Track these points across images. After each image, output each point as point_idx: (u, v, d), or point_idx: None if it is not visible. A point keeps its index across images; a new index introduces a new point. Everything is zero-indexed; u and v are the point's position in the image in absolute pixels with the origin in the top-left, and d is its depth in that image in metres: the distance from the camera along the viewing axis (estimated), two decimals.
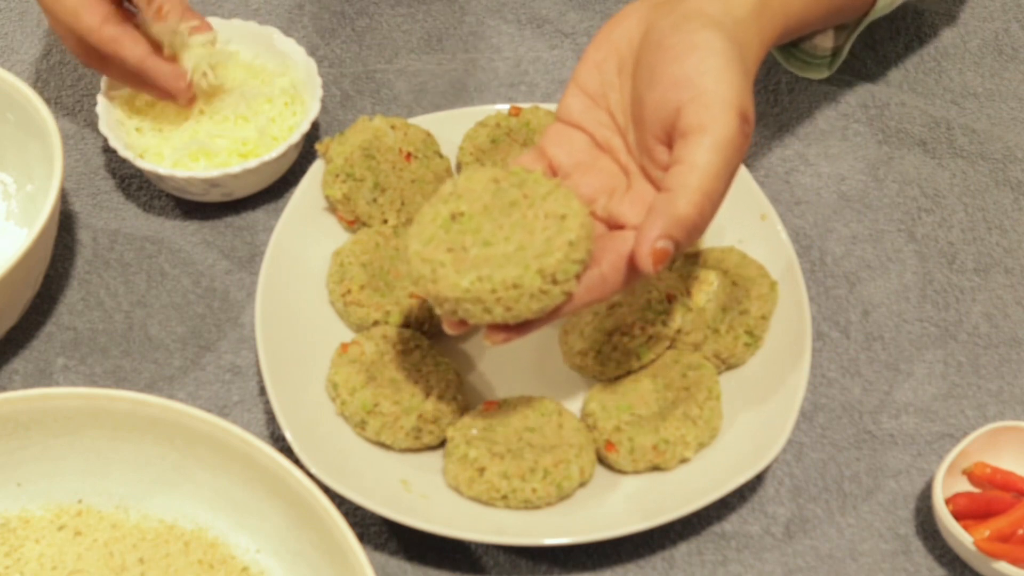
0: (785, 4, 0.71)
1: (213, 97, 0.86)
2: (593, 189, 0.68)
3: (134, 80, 0.84)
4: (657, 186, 0.66)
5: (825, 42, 0.87)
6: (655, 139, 0.66)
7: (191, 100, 0.85)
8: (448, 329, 0.67)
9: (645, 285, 0.76)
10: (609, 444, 0.72)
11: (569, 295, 0.64)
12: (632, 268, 0.64)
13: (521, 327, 0.65)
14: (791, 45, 0.88)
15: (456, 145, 0.85)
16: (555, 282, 0.63)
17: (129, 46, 0.80)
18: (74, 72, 0.95)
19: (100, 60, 0.83)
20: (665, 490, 0.71)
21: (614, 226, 0.67)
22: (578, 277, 0.64)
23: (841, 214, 0.88)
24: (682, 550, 0.73)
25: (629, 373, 0.76)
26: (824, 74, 0.88)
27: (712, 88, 0.63)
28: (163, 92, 0.83)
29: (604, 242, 0.66)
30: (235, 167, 0.82)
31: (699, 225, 0.63)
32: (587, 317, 0.76)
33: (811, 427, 0.78)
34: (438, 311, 0.66)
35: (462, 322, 0.66)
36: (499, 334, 0.65)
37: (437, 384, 0.74)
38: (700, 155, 0.62)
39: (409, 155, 0.82)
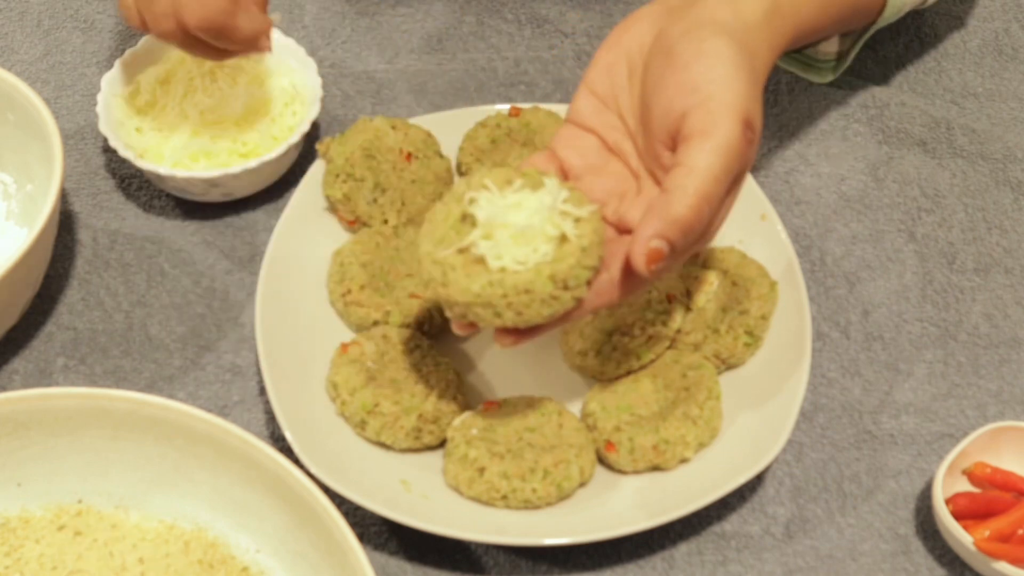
0: (796, 10, 0.71)
1: (213, 97, 0.86)
2: (604, 192, 0.69)
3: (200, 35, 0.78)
4: None
5: (829, 47, 0.87)
6: (661, 144, 0.66)
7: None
8: (457, 331, 0.67)
9: None
10: (609, 444, 0.72)
11: (579, 300, 0.64)
12: (634, 271, 0.64)
13: (531, 331, 0.66)
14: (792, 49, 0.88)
15: (456, 145, 0.85)
16: (566, 288, 0.63)
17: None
18: (74, 72, 0.95)
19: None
20: (665, 490, 0.71)
21: (623, 230, 0.67)
22: (589, 283, 0.64)
23: (841, 214, 0.88)
24: (682, 550, 0.73)
25: (629, 373, 0.76)
26: (828, 78, 0.88)
27: (717, 95, 0.63)
28: (242, 42, 0.79)
29: (614, 246, 0.66)
30: (235, 167, 0.82)
31: (695, 227, 0.63)
32: (587, 317, 0.76)
33: (811, 427, 0.78)
34: (448, 314, 0.66)
35: (472, 324, 0.66)
36: (508, 337, 0.66)
37: (437, 384, 0.74)
38: (699, 158, 0.63)
39: (409, 155, 0.82)
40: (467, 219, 0.65)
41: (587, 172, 0.69)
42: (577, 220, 0.64)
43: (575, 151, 0.70)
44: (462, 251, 0.64)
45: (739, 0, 0.68)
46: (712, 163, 0.62)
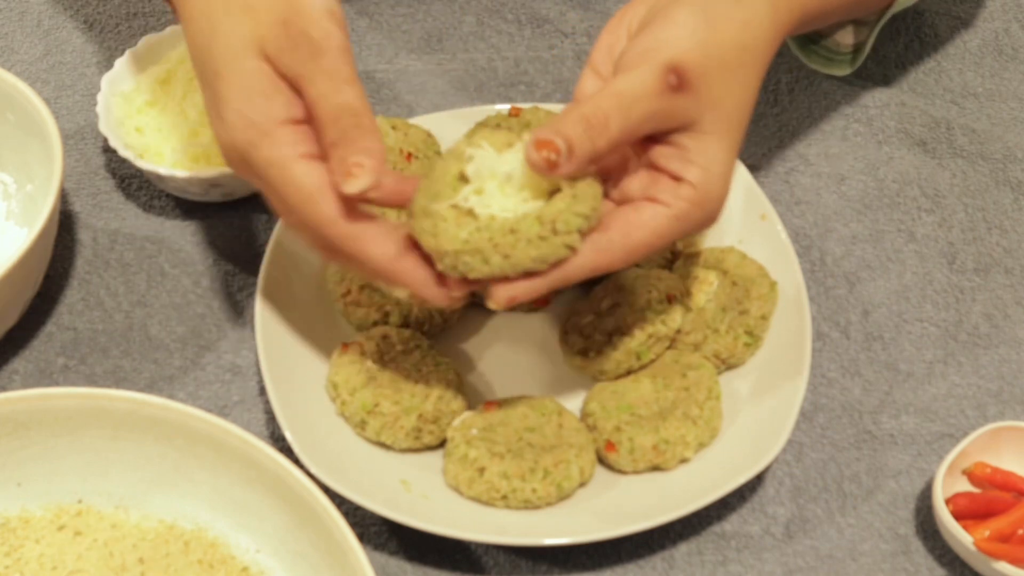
0: None
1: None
2: (605, 169, 0.69)
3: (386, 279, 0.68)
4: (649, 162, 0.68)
5: (846, 38, 0.87)
6: None
7: (454, 302, 0.67)
8: (451, 292, 0.66)
9: (645, 285, 0.76)
10: (609, 444, 0.72)
11: (572, 249, 0.64)
12: (637, 238, 0.65)
13: (524, 283, 0.64)
14: (811, 41, 0.88)
15: None
16: (555, 231, 0.63)
17: (377, 243, 0.65)
18: (74, 72, 0.95)
19: (342, 255, 0.67)
20: (665, 490, 0.71)
21: (625, 204, 0.68)
22: (582, 233, 0.64)
23: (841, 214, 0.88)
24: (682, 550, 0.73)
25: (629, 373, 0.76)
26: (847, 70, 0.88)
27: (652, 45, 0.66)
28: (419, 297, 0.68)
29: (614, 213, 0.66)
30: None
31: (589, 132, 0.64)
32: (587, 317, 0.76)
33: (811, 427, 0.78)
34: (439, 267, 0.65)
35: (463, 281, 0.65)
36: (502, 290, 0.64)
37: (437, 384, 0.74)
38: (613, 82, 0.65)
39: (410, 155, 0.82)
40: (464, 178, 0.65)
41: None
42: (573, 179, 0.64)
43: None
44: (455, 207, 0.64)
45: None
46: (621, 87, 0.65)
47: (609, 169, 0.69)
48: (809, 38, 0.88)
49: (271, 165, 0.64)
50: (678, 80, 0.65)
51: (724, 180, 0.67)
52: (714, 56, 0.66)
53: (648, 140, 0.67)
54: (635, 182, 0.68)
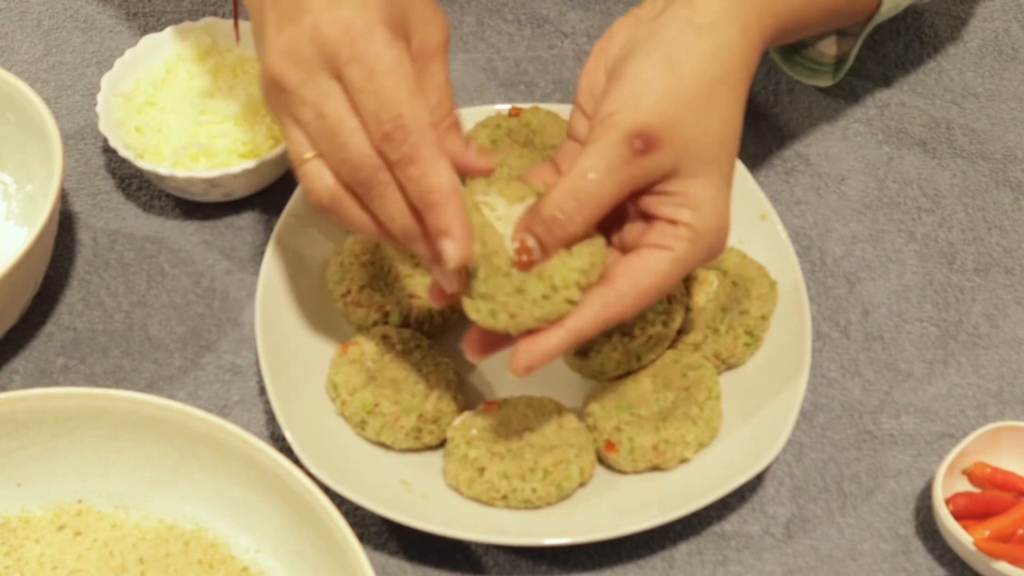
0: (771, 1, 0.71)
1: (213, 97, 0.86)
2: (605, 222, 0.70)
3: (392, 230, 0.66)
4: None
5: (828, 49, 0.87)
6: None
7: (446, 300, 0.68)
8: (478, 356, 0.69)
9: None
10: (609, 444, 0.72)
11: (572, 303, 0.65)
12: (644, 284, 0.66)
13: (540, 348, 0.66)
14: (794, 52, 0.88)
15: None
16: (554, 288, 0.64)
17: (447, 166, 0.63)
18: (74, 72, 0.95)
19: (368, 182, 0.65)
20: (665, 490, 0.71)
21: (627, 250, 0.68)
22: (580, 286, 0.65)
23: (841, 214, 0.88)
24: (682, 550, 0.73)
25: (629, 373, 0.76)
26: (829, 81, 0.88)
27: (618, 109, 0.66)
28: (428, 260, 0.66)
29: (619, 264, 0.67)
30: (235, 167, 0.82)
31: (561, 222, 0.65)
32: (597, 332, 0.76)
33: (811, 427, 0.78)
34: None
35: (484, 341, 0.68)
36: (520, 358, 0.66)
37: (437, 384, 0.74)
38: (578, 161, 0.66)
39: None
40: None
41: None
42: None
43: None
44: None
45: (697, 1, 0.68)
46: (586, 166, 0.65)
47: (607, 221, 0.69)
48: (793, 48, 0.88)
49: (381, 57, 0.63)
50: (644, 144, 0.65)
51: (718, 215, 0.67)
52: (679, 103, 0.66)
53: (637, 193, 0.68)
54: (633, 230, 0.69)
